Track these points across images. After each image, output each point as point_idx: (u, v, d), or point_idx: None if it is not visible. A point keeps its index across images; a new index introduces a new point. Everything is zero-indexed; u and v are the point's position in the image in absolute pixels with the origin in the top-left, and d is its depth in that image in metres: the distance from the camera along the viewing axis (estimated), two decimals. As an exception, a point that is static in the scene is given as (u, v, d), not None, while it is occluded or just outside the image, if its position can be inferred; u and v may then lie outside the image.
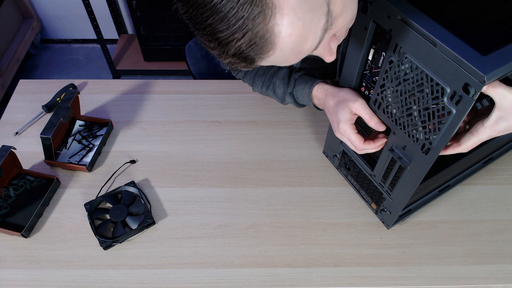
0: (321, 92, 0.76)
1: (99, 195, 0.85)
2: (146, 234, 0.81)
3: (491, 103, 0.54)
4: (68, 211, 0.84)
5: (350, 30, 0.64)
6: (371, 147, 0.69)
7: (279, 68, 0.85)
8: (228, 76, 0.99)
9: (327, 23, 0.43)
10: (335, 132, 0.74)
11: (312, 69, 0.88)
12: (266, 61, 0.44)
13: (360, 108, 0.67)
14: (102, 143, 0.94)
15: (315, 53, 0.49)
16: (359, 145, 0.69)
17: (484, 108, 0.63)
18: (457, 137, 0.60)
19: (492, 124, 0.55)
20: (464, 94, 0.48)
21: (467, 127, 0.61)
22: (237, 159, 0.92)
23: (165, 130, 0.97)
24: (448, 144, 0.61)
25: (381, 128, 0.65)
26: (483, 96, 0.63)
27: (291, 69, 0.84)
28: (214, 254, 0.78)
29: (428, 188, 0.80)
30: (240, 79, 0.93)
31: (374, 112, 0.66)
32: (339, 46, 0.76)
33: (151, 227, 0.82)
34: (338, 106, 0.70)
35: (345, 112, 0.69)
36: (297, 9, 0.39)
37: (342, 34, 0.50)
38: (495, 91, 0.51)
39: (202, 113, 1.01)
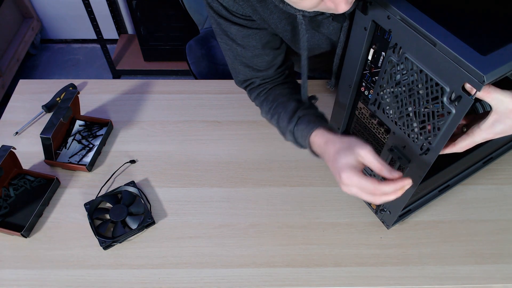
0: (320, 138, 0.68)
1: (99, 195, 0.85)
2: (146, 234, 0.81)
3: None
4: (68, 211, 0.84)
5: (349, 30, 0.64)
6: (391, 188, 0.57)
7: (288, 100, 0.78)
8: (228, 76, 0.99)
9: None
10: (339, 184, 0.61)
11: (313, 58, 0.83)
12: None
13: (369, 154, 0.58)
14: (102, 143, 0.94)
15: None
16: (375, 187, 0.57)
17: (485, 112, 0.63)
18: (454, 138, 0.60)
19: (488, 126, 0.55)
20: (463, 94, 0.48)
21: (465, 129, 0.61)
22: (237, 159, 0.92)
23: (165, 130, 0.97)
24: None
25: (396, 175, 0.57)
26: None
27: (298, 105, 0.76)
28: (214, 254, 0.78)
29: (428, 188, 0.80)
30: (252, 101, 0.89)
31: (374, 112, 0.66)
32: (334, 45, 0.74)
33: (151, 227, 0.82)
34: (340, 153, 0.62)
35: (350, 158, 0.60)
36: None
37: None
38: (490, 96, 0.51)
39: (202, 113, 1.01)
